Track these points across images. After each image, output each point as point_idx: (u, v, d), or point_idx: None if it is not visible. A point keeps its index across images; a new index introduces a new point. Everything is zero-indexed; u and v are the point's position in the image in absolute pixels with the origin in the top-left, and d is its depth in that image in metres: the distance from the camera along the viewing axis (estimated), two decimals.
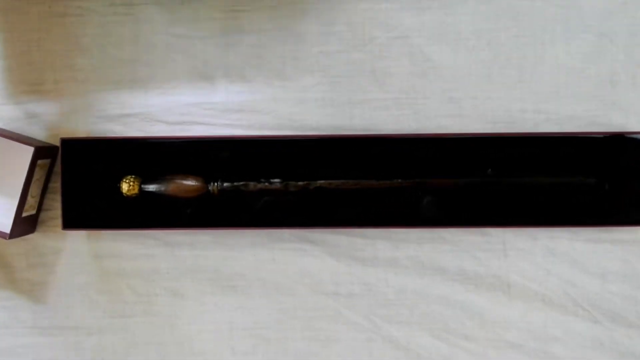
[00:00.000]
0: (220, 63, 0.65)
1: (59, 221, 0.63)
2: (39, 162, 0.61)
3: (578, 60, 0.64)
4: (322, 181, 0.61)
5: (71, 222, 0.62)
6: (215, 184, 0.61)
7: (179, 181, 0.61)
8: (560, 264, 0.64)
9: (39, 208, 0.65)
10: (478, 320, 0.65)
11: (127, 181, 0.62)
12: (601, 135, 0.62)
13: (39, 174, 0.62)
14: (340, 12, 0.64)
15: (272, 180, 0.61)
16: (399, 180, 0.61)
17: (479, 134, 0.63)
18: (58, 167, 0.64)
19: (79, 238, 0.65)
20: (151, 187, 0.61)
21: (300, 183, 0.61)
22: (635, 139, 0.61)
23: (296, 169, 0.62)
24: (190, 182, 0.61)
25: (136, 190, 0.61)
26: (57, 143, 0.63)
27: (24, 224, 0.62)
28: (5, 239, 0.60)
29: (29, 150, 0.59)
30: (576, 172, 0.62)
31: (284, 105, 0.64)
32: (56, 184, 0.65)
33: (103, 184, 0.62)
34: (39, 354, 0.65)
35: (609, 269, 0.64)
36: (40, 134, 0.65)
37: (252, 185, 0.61)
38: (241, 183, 0.61)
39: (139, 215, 0.63)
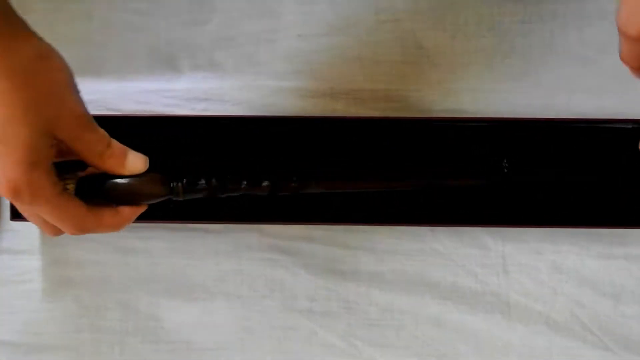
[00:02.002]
0: (186, 45, 0.60)
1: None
2: None
3: (593, 50, 0.59)
4: (315, 182, 0.52)
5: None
6: (179, 184, 0.50)
7: (130, 183, 0.49)
8: (567, 282, 0.59)
9: None
10: (473, 345, 0.59)
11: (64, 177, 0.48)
12: (629, 125, 0.57)
13: None
14: None
15: (251, 181, 0.51)
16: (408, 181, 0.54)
17: (491, 118, 0.58)
18: None
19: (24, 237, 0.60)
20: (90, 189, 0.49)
21: (294, 184, 0.51)
22: None
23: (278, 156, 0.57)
24: (146, 186, 0.50)
25: (70, 190, 0.48)
26: None
27: None
28: None
29: None
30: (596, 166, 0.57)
31: (257, 94, 0.60)
32: None
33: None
34: None
35: (624, 288, 0.59)
36: None
37: (230, 187, 0.51)
38: (215, 183, 0.50)
39: None
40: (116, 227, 0.48)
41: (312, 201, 0.56)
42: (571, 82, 0.59)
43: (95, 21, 0.60)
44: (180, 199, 0.50)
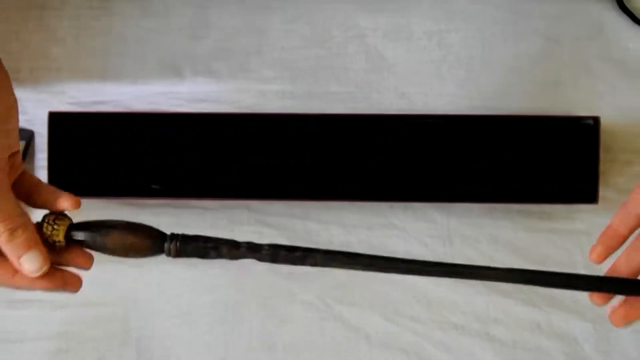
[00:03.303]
0: (188, 55, 0.69)
1: None
2: None
3: (525, 61, 0.68)
4: (317, 255, 0.51)
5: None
6: (174, 242, 0.48)
7: (120, 235, 0.47)
8: (502, 251, 0.68)
9: None
10: (425, 303, 0.68)
11: (48, 222, 0.46)
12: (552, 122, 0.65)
13: None
14: (302, 10, 0.69)
15: (252, 244, 0.49)
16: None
17: (437, 115, 0.66)
18: (32, 149, 0.68)
19: None
20: (81, 236, 0.47)
21: (298, 254, 0.50)
22: (583, 124, 0.65)
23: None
24: (136, 239, 0.47)
25: (61, 238, 0.46)
26: (32, 128, 0.67)
27: None
28: None
29: None
30: (525, 153, 0.65)
31: (247, 96, 0.69)
32: (29, 165, 0.68)
33: (87, 156, 0.66)
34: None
35: (549, 256, 0.68)
36: None
37: (224, 250, 0.49)
38: (209, 244, 0.49)
39: (116, 185, 0.66)
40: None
41: (292, 181, 0.65)
42: (505, 88, 0.68)
43: (114, 35, 0.68)
44: (172, 257, 0.48)
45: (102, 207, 0.68)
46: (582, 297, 0.66)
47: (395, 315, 0.68)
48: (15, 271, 0.44)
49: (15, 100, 0.46)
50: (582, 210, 0.68)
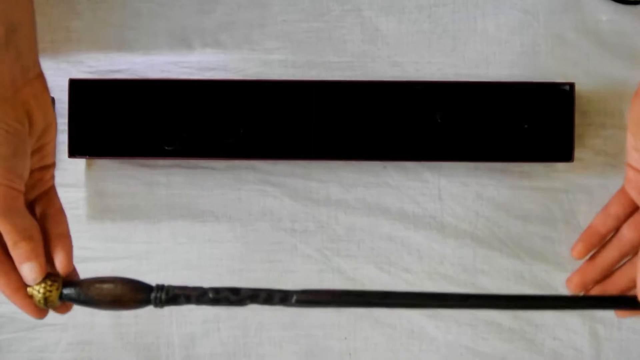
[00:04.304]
0: (197, 28, 0.74)
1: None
2: None
3: (505, 32, 0.74)
4: (300, 293, 0.54)
5: (75, 150, 0.71)
6: (159, 295, 0.50)
7: (108, 288, 0.49)
8: (487, 207, 0.74)
9: None
10: (416, 255, 0.74)
11: (42, 287, 0.48)
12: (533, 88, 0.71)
13: None
14: None
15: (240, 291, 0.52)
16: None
17: (427, 82, 0.72)
18: None
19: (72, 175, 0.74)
20: (73, 293, 0.50)
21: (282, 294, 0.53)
22: (559, 89, 0.71)
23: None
24: (127, 295, 0.49)
25: (55, 299, 0.49)
26: (53, 94, 0.73)
27: None
28: None
29: None
30: (507, 117, 0.71)
31: (252, 65, 0.74)
32: None
33: (104, 119, 0.71)
34: None
35: (530, 212, 0.74)
36: None
37: (209, 295, 0.51)
38: (195, 293, 0.51)
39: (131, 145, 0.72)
40: None
41: (294, 142, 0.70)
42: (489, 56, 0.73)
43: (129, 10, 0.73)
44: (160, 307, 0.51)
45: (117, 169, 0.74)
46: (562, 250, 0.73)
47: (389, 266, 0.74)
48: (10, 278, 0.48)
49: (54, 118, 0.51)
50: (560, 170, 0.74)
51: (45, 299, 0.49)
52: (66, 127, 0.72)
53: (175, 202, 0.74)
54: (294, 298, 0.52)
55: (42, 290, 0.48)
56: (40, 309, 0.50)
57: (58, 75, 0.74)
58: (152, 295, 0.49)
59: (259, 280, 0.74)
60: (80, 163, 0.74)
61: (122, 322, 0.74)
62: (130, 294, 0.49)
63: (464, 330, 0.74)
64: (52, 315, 0.72)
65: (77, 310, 0.72)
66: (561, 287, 0.73)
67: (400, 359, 0.74)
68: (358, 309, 0.73)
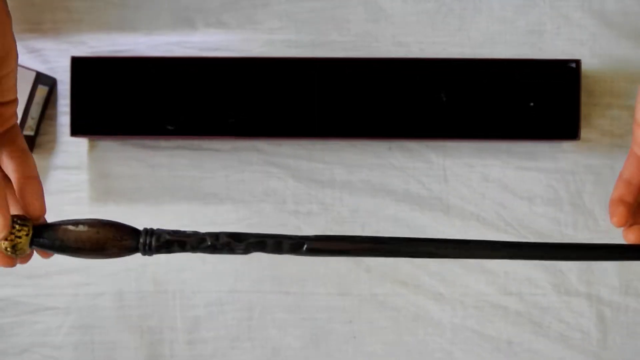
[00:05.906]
0: (200, 8, 0.73)
1: (55, 143, 0.72)
2: (39, 87, 0.70)
3: (510, 12, 0.73)
4: (313, 240, 0.46)
5: (78, 129, 0.70)
6: (148, 240, 0.43)
7: (87, 232, 0.42)
8: (493, 189, 0.73)
9: (37, 131, 0.73)
10: (421, 236, 0.73)
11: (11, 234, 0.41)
12: (534, 65, 0.70)
13: (38, 98, 0.70)
14: None
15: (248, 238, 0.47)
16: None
17: (431, 59, 0.71)
18: (55, 95, 0.73)
19: (75, 157, 0.74)
20: (46, 239, 0.42)
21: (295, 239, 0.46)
22: (566, 67, 0.70)
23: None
24: (112, 239, 0.42)
25: (25, 247, 0.41)
26: (54, 75, 0.72)
27: None
28: None
29: (32, 75, 0.68)
30: (512, 95, 0.70)
31: (255, 45, 0.73)
32: (52, 111, 0.73)
33: (107, 98, 0.70)
34: None
35: (535, 193, 0.73)
36: (39, 66, 0.74)
37: (207, 242, 0.46)
38: (189, 233, 0.45)
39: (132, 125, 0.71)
40: None
41: (298, 120, 0.70)
42: (494, 36, 0.73)
43: None
44: (149, 255, 0.44)
45: (120, 151, 0.74)
46: (569, 231, 0.72)
47: None
48: None
49: (13, 46, 0.42)
50: (566, 151, 0.73)
51: (14, 246, 0.41)
52: (68, 109, 0.71)
53: (179, 184, 0.74)
54: (306, 246, 0.44)
55: (9, 237, 0.41)
56: (7, 257, 0.42)
57: (60, 56, 0.74)
58: (140, 240, 0.42)
59: (261, 262, 0.73)
60: (83, 145, 0.73)
61: (125, 305, 0.73)
62: (114, 239, 0.41)
63: (470, 313, 0.73)
64: (55, 298, 0.73)
65: (80, 293, 0.73)
66: (566, 269, 0.73)
67: (405, 342, 0.73)
68: (362, 294, 0.72)
